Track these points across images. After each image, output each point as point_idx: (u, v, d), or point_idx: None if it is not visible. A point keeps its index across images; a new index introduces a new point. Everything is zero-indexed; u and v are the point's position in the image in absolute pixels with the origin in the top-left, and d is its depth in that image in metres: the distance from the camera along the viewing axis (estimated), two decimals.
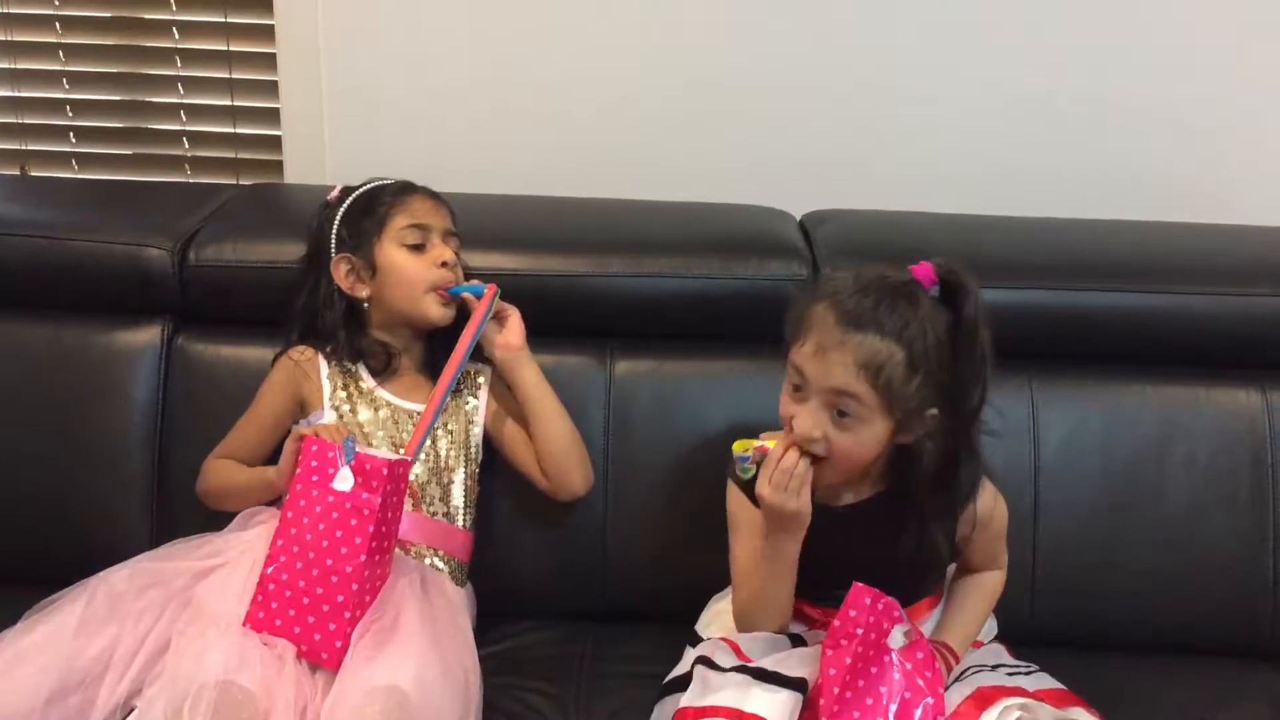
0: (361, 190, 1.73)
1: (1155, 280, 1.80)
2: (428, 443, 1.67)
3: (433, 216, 1.70)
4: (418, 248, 1.68)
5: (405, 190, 1.72)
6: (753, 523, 1.49)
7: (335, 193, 1.74)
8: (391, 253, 1.68)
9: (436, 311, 1.68)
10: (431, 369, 1.73)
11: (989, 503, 1.50)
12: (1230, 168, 2.15)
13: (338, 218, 1.70)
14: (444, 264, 1.68)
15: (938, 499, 1.44)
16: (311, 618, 1.45)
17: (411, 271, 1.67)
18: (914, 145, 2.16)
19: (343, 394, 1.68)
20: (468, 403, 1.73)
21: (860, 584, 1.35)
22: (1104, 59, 2.10)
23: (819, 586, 1.48)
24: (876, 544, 1.46)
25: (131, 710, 1.40)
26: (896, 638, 1.36)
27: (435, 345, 1.73)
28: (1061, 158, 2.15)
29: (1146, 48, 2.10)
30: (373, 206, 1.70)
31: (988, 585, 1.57)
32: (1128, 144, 2.14)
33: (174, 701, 1.32)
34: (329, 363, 1.69)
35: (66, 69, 2.24)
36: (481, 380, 1.75)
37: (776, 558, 1.44)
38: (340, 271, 1.69)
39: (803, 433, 1.37)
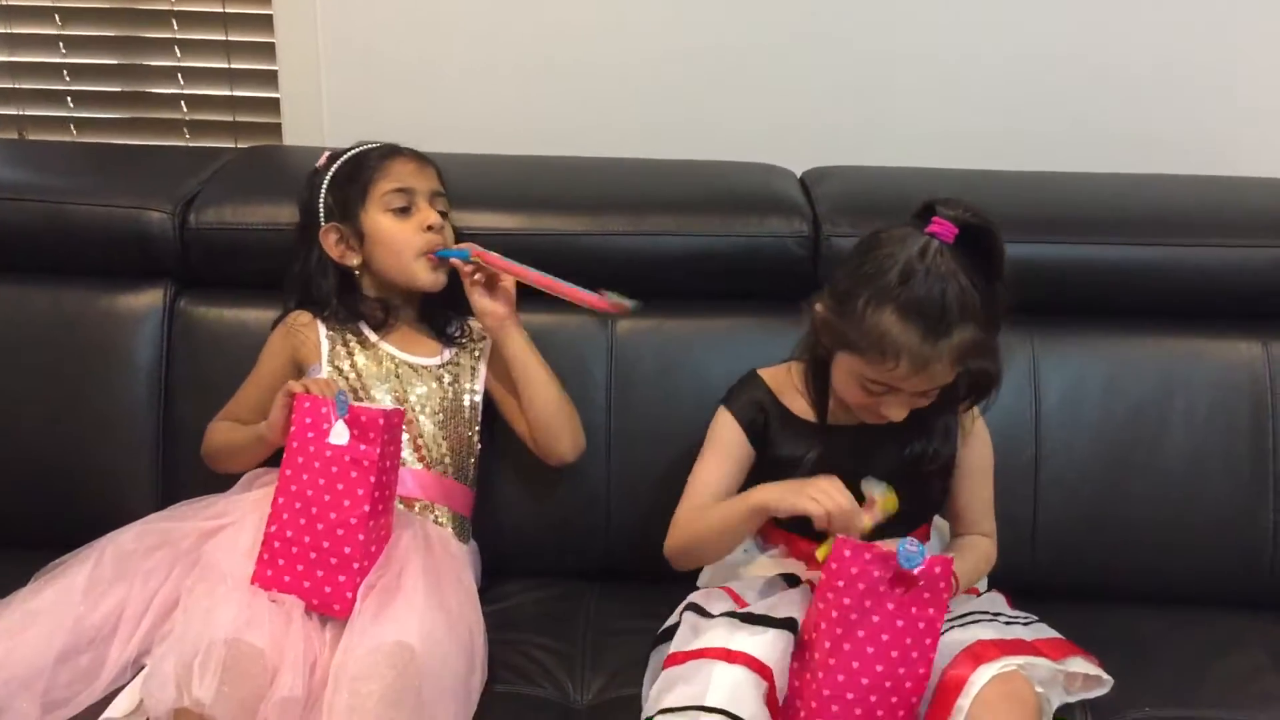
0: (346, 156, 1.72)
1: (1156, 233, 1.80)
2: (437, 395, 1.69)
3: (416, 179, 1.70)
4: (403, 211, 1.68)
5: (389, 154, 1.71)
6: (730, 449, 1.57)
7: (322, 159, 1.74)
8: (378, 219, 1.67)
9: (427, 277, 1.68)
10: (430, 323, 1.74)
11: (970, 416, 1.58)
12: (1230, 119, 2.14)
13: (324, 185, 1.70)
14: (430, 227, 1.67)
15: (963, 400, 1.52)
16: (320, 571, 1.47)
17: (398, 237, 1.67)
18: (914, 101, 2.15)
19: (342, 349, 1.68)
20: (475, 349, 1.74)
21: (841, 537, 1.36)
22: (1104, 12, 2.09)
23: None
24: (886, 455, 1.51)
25: (141, 668, 1.42)
26: (914, 556, 1.34)
27: (432, 300, 1.73)
28: (1061, 112, 2.14)
29: (1146, 1, 2.08)
30: (357, 173, 1.69)
31: (980, 546, 1.61)
32: (1128, 97, 2.13)
33: (183, 659, 1.34)
34: (327, 324, 1.70)
35: (63, 33, 2.23)
36: (484, 339, 1.76)
37: (755, 518, 1.48)
38: (330, 241, 1.69)
39: (894, 419, 1.45)
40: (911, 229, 1.39)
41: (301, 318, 1.71)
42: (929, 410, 1.49)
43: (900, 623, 1.34)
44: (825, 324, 1.46)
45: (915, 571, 1.33)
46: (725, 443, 1.58)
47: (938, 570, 1.34)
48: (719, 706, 1.32)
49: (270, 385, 1.67)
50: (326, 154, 1.75)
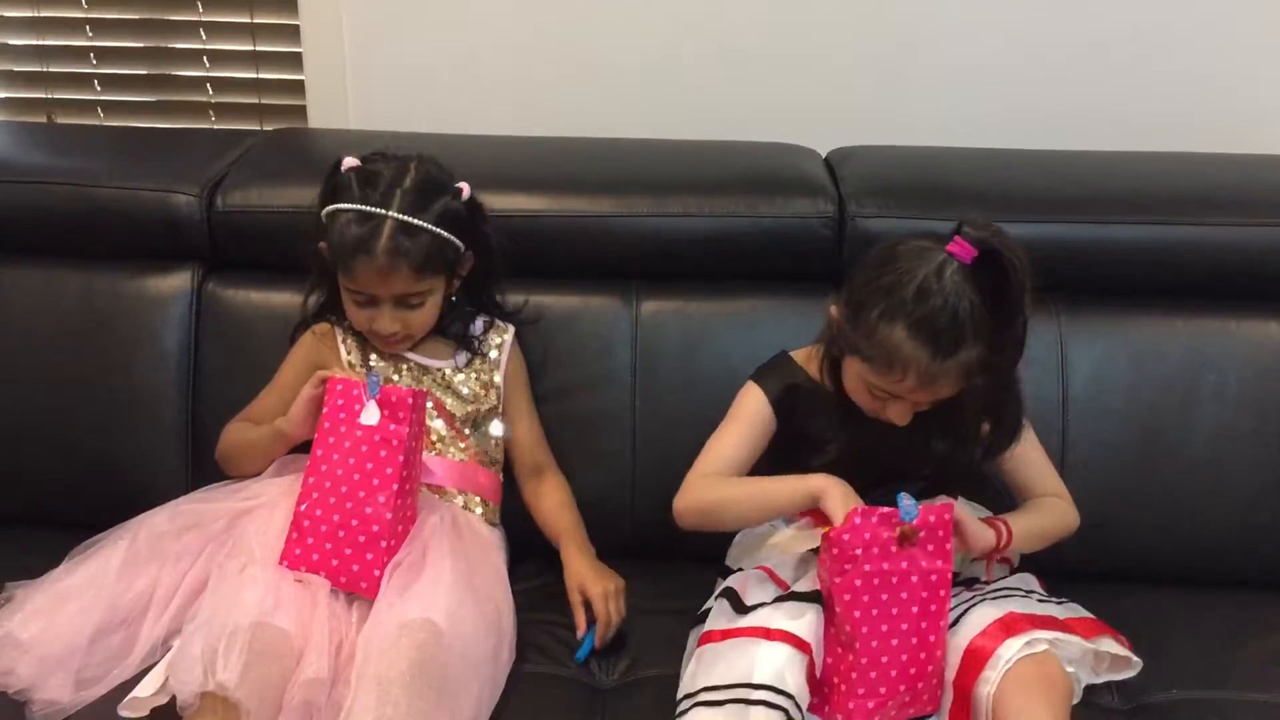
0: (334, 207, 1.59)
1: (1183, 212, 1.79)
2: (453, 395, 1.69)
3: (379, 286, 1.58)
4: (366, 302, 1.61)
5: (355, 253, 1.55)
6: (754, 422, 1.59)
7: (346, 164, 1.62)
8: (343, 289, 1.62)
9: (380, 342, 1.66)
10: (441, 329, 1.71)
11: None
12: (1257, 97, 2.12)
13: (329, 194, 1.62)
14: (375, 333, 1.63)
15: (979, 421, 1.53)
16: (349, 549, 1.48)
17: (353, 316, 1.64)
18: (939, 80, 2.14)
19: (360, 356, 1.68)
20: (491, 351, 1.74)
21: (854, 508, 1.38)
22: None
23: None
24: (911, 446, 1.53)
25: (170, 648, 1.43)
26: (910, 510, 1.37)
27: (452, 304, 1.71)
28: (1087, 91, 2.12)
29: None
30: (333, 232, 1.58)
31: (1048, 502, 1.62)
32: (1154, 76, 2.11)
33: (210, 641, 1.35)
34: (345, 332, 1.70)
35: (90, 16, 2.24)
36: (507, 335, 1.74)
37: (809, 503, 1.47)
38: (324, 251, 1.62)
39: (898, 423, 1.48)
40: (931, 244, 1.41)
41: (323, 326, 1.71)
42: (953, 414, 1.50)
43: (915, 578, 1.37)
44: (839, 329, 1.49)
45: (914, 523, 1.36)
46: (750, 415, 1.60)
47: (932, 519, 1.37)
48: (767, 683, 1.34)
49: (291, 393, 1.63)
50: (352, 162, 1.62)
